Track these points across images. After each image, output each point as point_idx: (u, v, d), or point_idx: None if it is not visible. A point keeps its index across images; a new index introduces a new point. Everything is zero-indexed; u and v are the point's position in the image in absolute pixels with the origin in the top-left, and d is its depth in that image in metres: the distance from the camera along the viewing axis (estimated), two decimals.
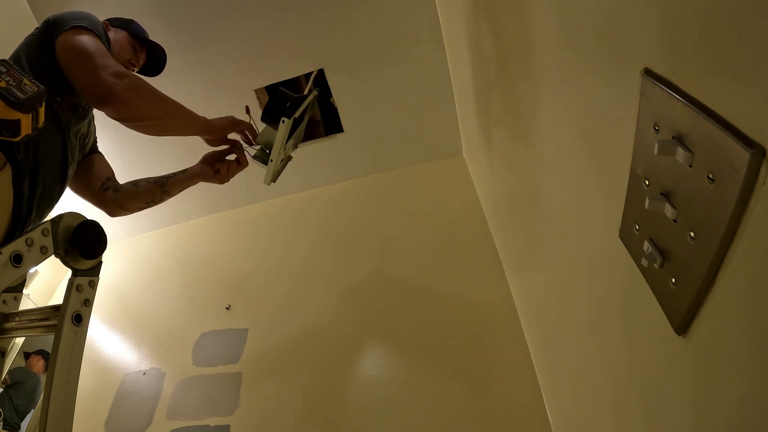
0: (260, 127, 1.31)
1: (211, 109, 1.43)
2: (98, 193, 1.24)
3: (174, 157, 1.42)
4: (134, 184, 1.27)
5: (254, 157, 1.33)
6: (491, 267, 1.73)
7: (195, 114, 1.16)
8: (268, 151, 1.31)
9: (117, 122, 1.02)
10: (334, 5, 1.94)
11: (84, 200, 1.27)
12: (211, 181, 1.29)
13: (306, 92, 1.32)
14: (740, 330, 0.33)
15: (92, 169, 1.25)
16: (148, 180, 1.28)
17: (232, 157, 1.31)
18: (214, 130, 1.22)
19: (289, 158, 1.44)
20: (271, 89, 2.17)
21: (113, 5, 1.88)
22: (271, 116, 1.24)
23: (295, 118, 1.21)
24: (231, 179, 1.31)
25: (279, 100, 1.23)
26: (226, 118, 1.26)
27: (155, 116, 1.06)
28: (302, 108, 1.25)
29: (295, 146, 1.45)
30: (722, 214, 0.31)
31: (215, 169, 1.27)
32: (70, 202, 1.41)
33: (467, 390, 1.43)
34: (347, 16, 1.97)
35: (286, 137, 1.24)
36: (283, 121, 1.20)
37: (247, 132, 1.30)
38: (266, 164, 1.30)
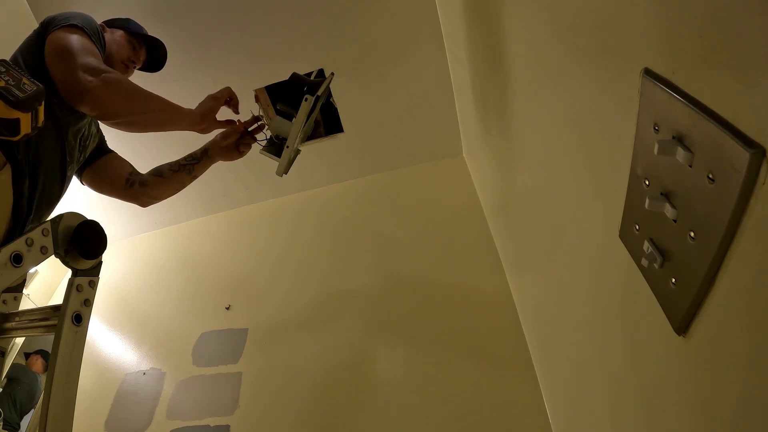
0: (264, 116, 1.30)
1: None
2: (125, 190, 1.26)
3: (173, 150, 1.43)
4: (159, 174, 1.29)
5: (264, 150, 1.31)
6: (491, 268, 1.73)
7: (179, 108, 1.14)
8: (278, 141, 1.29)
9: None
10: (334, 5, 1.94)
11: (114, 198, 1.29)
12: (231, 160, 1.32)
13: (313, 78, 1.30)
14: (740, 330, 0.33)
15: (112, 168, 1.26)
16: (171, 167, 1.29)
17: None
18: (202, 119, 1.19)
19: (298, 152, 1.42)
20: (271, 89, 2.17)
21: (112, 5, 1.87)
22: (287, 103, 1.22)
23: (315, 98, 1.19)
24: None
25: (294, 86, 1.21)
26: (205, 101, 1.23)
27: (132, 112, 1.04)
28: (323, 88, 1.24)
29: (305, 139, 1.43)
30: (722, 214, 0.31)
31: (240, 150, 1.30)
32: (70, 202, 1.41)
33: (467, 390, 1.43)
34: (347, 16, 1.97)
35: (306, 118, 1.22)
36: (306, 99, 1.16)
37: (231, 98, 1.28)
38: (278, 156, 1.28)
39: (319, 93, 1.20)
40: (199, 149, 1.31)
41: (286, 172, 1.32)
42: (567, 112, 0.67)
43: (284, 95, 1.23)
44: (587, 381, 0.82)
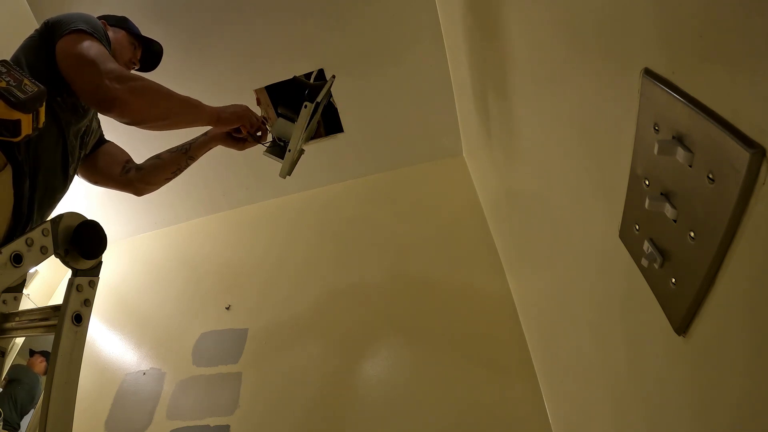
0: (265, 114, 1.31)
1: None
2: (121, 177, 1.26)
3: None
4: (157, 157, 1.30)
5: (267, 151, 1.31)
6: (491, 268, 1.73)
7: (201, 105, 1.16)
8: (282, 143, 1.30)
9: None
10: (334, 5, 1.94)
11: (108, 188, 1.28)
12: (230, 147, 1.32)
13: (312, 80, 1.32)
14: (740, 330, 0.33)
15: (108, 157, 1.26)
16: (169, 150, 1.31)
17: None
18: (220, 122, 1.21)
19: (302, 152, 1.42)
20: (271, 89, 2.17)
21: (112, 6, 1.87)
22: (287, 106, 1.23)
23: (315, 104, 1.20)
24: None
25: (295, 89, 1.23)
26: (237, 109, 1.24)
27: (160, 116, 1.06)
28: (323, 93, 1.24)
29: (308, 139, 1.44)
30: (722, 214, 0.31)
31: (239, 138, 1.30)
32: (71, 202, 1.41)
33: (466, 390, 1.43)
34: (347, 16, 1.96)
35: (307, 123, 1.23)
36: (306, 106, 1.17)
37: (257, 126, 1.30)
38: (281, 158, 1.29)
39: (318, 99, 1.21)
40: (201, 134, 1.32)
41: (289, 174, 1.33)
42: (567, 112, 0.67)
43: (285, 99, 1.24)
44: (587, 381, 0.82)
